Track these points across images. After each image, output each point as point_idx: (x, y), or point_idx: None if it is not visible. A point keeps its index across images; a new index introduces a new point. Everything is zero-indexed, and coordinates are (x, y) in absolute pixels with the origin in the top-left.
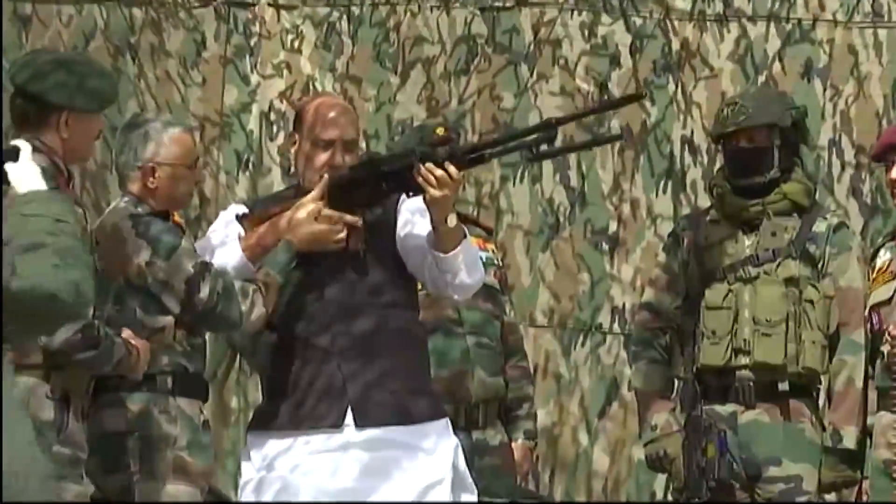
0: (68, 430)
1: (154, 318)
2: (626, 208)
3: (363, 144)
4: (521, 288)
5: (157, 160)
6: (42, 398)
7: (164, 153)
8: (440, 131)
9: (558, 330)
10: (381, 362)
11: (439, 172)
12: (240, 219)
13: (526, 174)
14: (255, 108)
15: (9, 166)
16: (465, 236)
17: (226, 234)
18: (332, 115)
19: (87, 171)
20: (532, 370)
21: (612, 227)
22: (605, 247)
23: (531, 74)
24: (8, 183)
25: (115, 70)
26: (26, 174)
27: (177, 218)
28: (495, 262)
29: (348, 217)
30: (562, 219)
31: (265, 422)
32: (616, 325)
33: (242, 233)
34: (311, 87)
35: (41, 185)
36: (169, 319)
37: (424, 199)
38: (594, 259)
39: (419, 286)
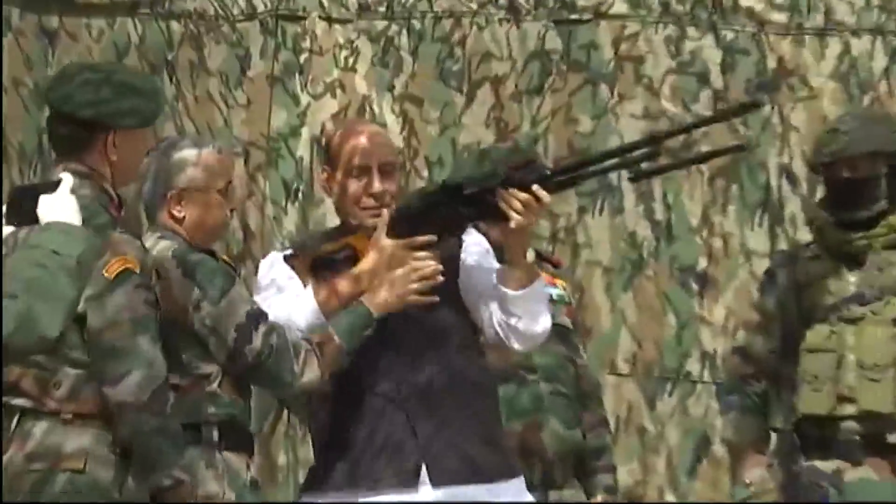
0: (126, 489)
1: (200, 363)
2: (717, 243)
3: (425, 172)
4: (601, 331)
5: (185, 185)
6: (104, 454)
7: (190, 177)
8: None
9: (642, 379)
10: (450, 413)
11: (525, 196)
12: (288, 259)
13: (606, 205)
14: (305, 132)
15: (43, 199)
16: (537, 277)
17: (282, 282)
18: (362, 139)
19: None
20: (613, 423)
21: (702, 263)
22: (694, 286)
23: (611, 95)
24: (35, 218)
25: None
26: (58, 207)
27: (225, 257)
28: (567, 298)
29: (424, 256)
30: (645, 254)
31: (321, 482)
32: (706, 373)
33: (294, 275)
34: (366, 108)
35: (70, 217)
36: (216, 366)
37: (502, 228)
38: (681, 299)
39: None
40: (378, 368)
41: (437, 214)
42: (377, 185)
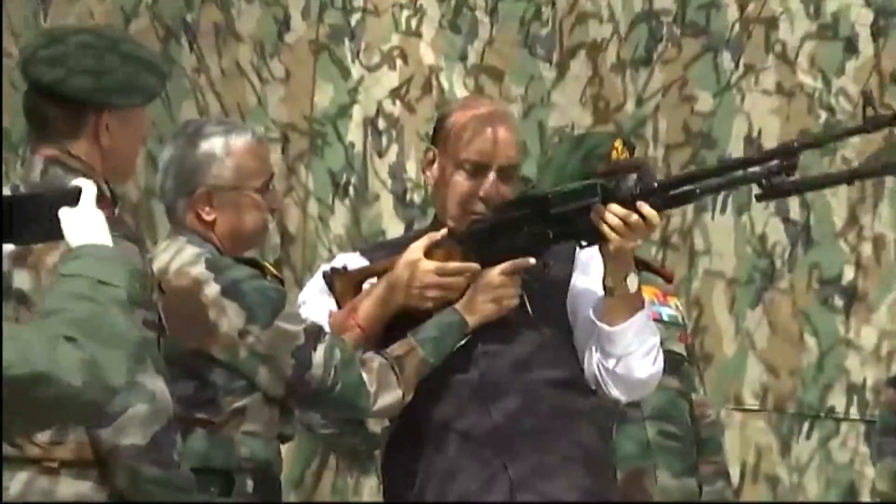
0: None
1: (237, 398)
2: (867, 249)
3: None
4: (723, 358)
5: (213, 183)
6: None
7: (220, 173)
8: (618, 146)
9: (774, 416)
10: (538, 458)
11: (626, 213)
12: (329, 276)
13: (730, 203)
14: (356, 112)
15: (65, 214)
16: (642, 307)
17: (311, 298)
18: (488, 128)
19: (126, 200)
20: (737, 472)
21: (848, 274)
22: (839, 302)
23: (736, 66)
24: (61, 235)
25: (165, 59)
26: (86, 225)
27: (272, 271)
28: (680, 320)
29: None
30: (779, 263)
31: None
32: (853, 409)
33: (326, 290)
34: (433, 82)
35: (102, 237)
36: (255, 398)
37: (601, 249)
38: (824, 319)
39: None
40: (461, 410)
41: (516, 232)
42: (490, 188)
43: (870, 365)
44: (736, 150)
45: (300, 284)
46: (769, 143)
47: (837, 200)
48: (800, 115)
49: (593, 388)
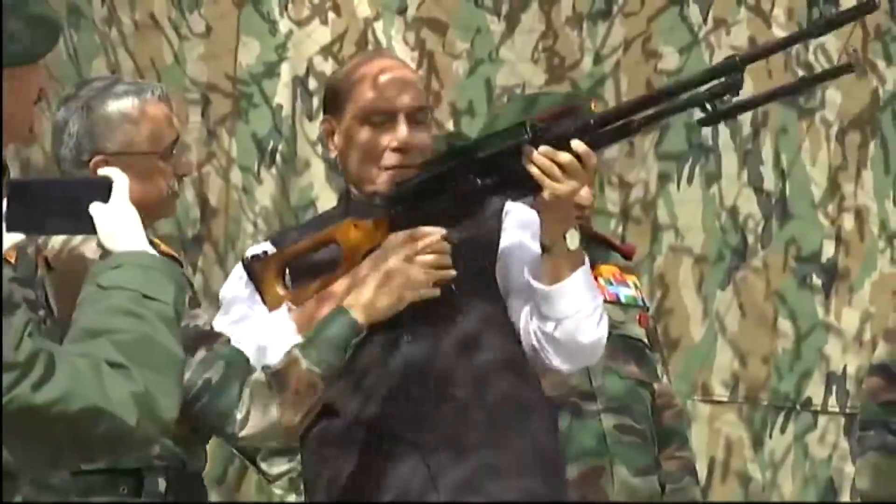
0: None
1: None
2: (849, 222)
3: (450, 124)
4: (690, 343)
5: (109, 149)
6: None
7: (118, 137)
8: (594, 108)
9: (745, 407)
10: (488, 458)
11: (564, 157)
12: (251, 264)
13: (697, 170)
14: (285, 71)
15: (97, 211)
16: (582, 263)
17: (241, 296)
18: (386, 75)
19: (30, 165)
20: (704, 469)
21: (828, 251)
22: (818, 281)
23: (705, 19)
24: (91, 230)
25: (72, 12)
26: (122, 226)
27: (164, 247)
28: (640, 301)
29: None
30: (751, 239)
31: None
32: (833, 400)
33: (254, 287)
34: (369, 37)
35: (141, 242)
36: None
37: (536, 200)
38: (801, 300)
39: None
40: (385, 398)
41: (444, 189)
42: (404, 133)
43: (851, 351)
44: None
45: (222, 262)
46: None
47: (816, 167)
48: (775, 74)
49: (529, 354)
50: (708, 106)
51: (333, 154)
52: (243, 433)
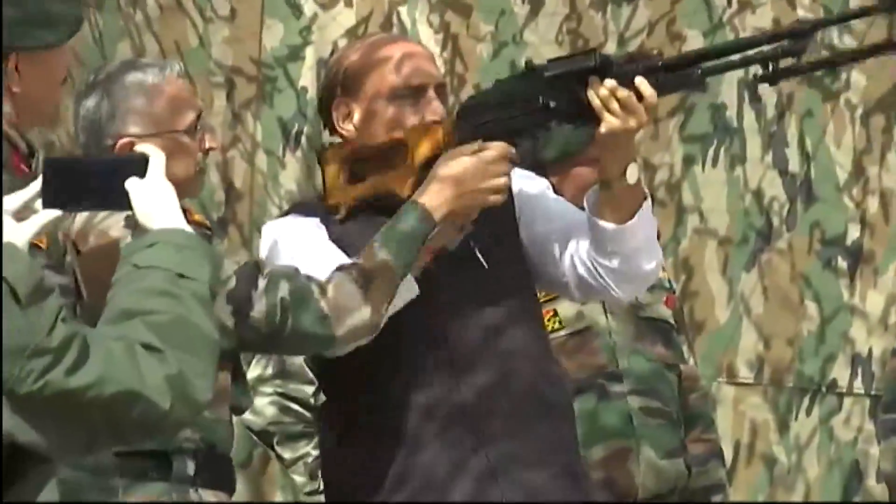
0: None
1: None
2: (873, 204)
3: None
4: (715, 325)
5: (133, 131)
6: None
7: (140, 119)
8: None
9: (770, 389)
10: (511, 446)
11: (623, 92)
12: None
13: (722, 153)
14: (309, 54)
15: (133, 187)
16: (645, 198)
17: (306, 233)
18: (409, 50)
19: (54, 149)
20: (730, 451)
21: (853, 233)
22: (843, 264)
23: (729, 1)
24: (127, 206)
25: None
26: (158, 203)
27: (197, 216)
28: (666, 283)
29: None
30: (776, 221)
31: None
32: (858, 382)
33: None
34: (394, 20)
35: (177, 219)
36: None
37: (596, 134)
38: (825, 282)
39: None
40: (423, 382)
41: (512, 105)
42: (439, 105)
43: (876, 334)
44: (729, 94)
45: (247, 245)
46: (765, 87)
47: (841, 150)
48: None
49: (575, 293)
50: (771, 64)
51: (348, 135)
52: (340, 333)
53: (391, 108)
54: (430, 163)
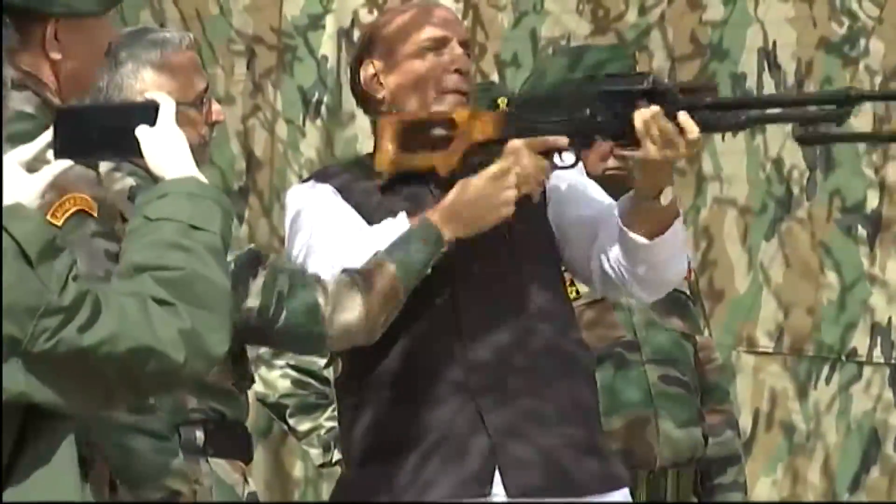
0: None
1: None
2: (893, 172)
3: (494, 75)
4: (735, 295)
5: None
6: None
7: (147, 89)
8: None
9: (790, 358)
10: (532, 403)
11: (665, 124)
12: (327, 176)
13: None
14: (329, 23)
15: (143, 134)
16: (677, 215)
17: (327, 205)
18: (434, 9)
19: None
20: (748, 420)
21: (873, 201)
22: (863, 232)
23: None
24: (138, 153)
25: None
26: (168, 148)
27: None
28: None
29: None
30: (796, 189)
31: (355, 496)
32: (878, 351)
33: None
34: None
35: (189, 167)
36: None
37: (636, 155)
38: (846, 251)
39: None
40: (434, 342)
41: (561, 109)
42: (463, 56)
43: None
44: (749, 62)
45: (268, 213)
46: (784, 55)
47: (860, 119)
48: (820, 24)
49: (598, 286)
50: (810, 128)
51: (381, 93)
52: (333, 330)
53: (421, 62)
54: (475, 150)
